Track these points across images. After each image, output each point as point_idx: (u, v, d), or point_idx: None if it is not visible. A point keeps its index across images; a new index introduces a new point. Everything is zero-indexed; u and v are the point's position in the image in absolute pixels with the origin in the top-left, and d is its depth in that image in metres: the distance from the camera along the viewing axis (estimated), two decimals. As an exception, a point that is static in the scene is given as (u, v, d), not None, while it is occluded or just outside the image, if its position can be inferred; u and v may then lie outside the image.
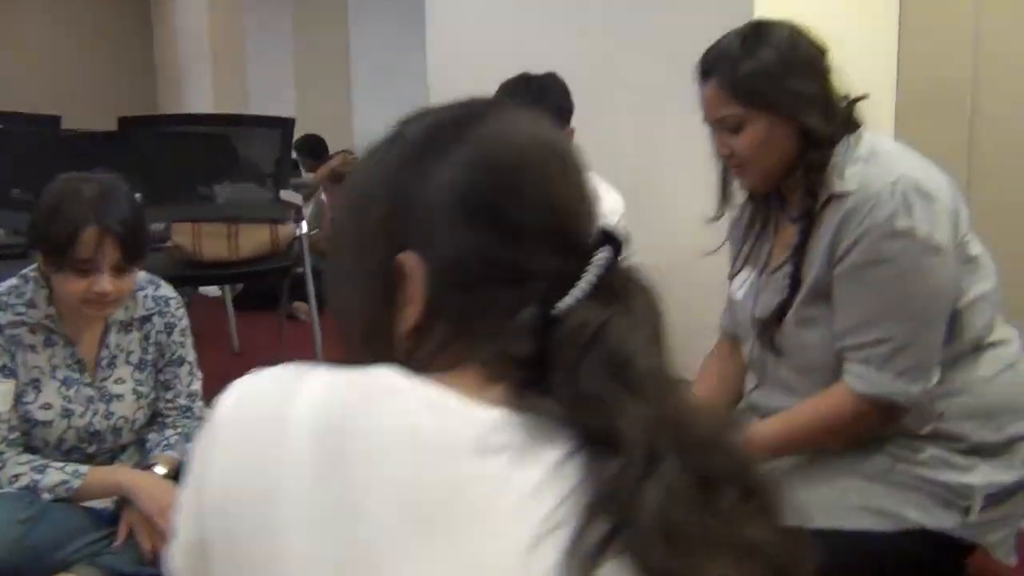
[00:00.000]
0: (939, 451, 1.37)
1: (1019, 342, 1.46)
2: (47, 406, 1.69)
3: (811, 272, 1.36)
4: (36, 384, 1.68)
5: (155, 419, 1.86)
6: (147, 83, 10.01)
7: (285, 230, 2.84)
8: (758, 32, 1.37)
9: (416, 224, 0.62)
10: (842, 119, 1.36)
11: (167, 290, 1.87)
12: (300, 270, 2.86)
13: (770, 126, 1.34)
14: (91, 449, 1.76)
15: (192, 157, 2.48)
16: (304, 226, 2.76)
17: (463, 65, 3.62)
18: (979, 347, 1.38)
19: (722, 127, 1.38)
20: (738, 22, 2.57)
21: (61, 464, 1.66)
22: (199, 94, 8.31)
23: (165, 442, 1.81)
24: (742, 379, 1.59)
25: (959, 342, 1.36)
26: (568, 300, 0.59)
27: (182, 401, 1.87)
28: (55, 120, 2.31)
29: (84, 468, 1.67)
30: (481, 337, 0.60)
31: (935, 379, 1.32)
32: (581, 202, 0.64)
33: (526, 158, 0.63)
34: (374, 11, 6.27)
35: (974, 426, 1.37)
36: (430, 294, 0.61)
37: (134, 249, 1.62)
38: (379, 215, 0.63)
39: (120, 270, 1.61)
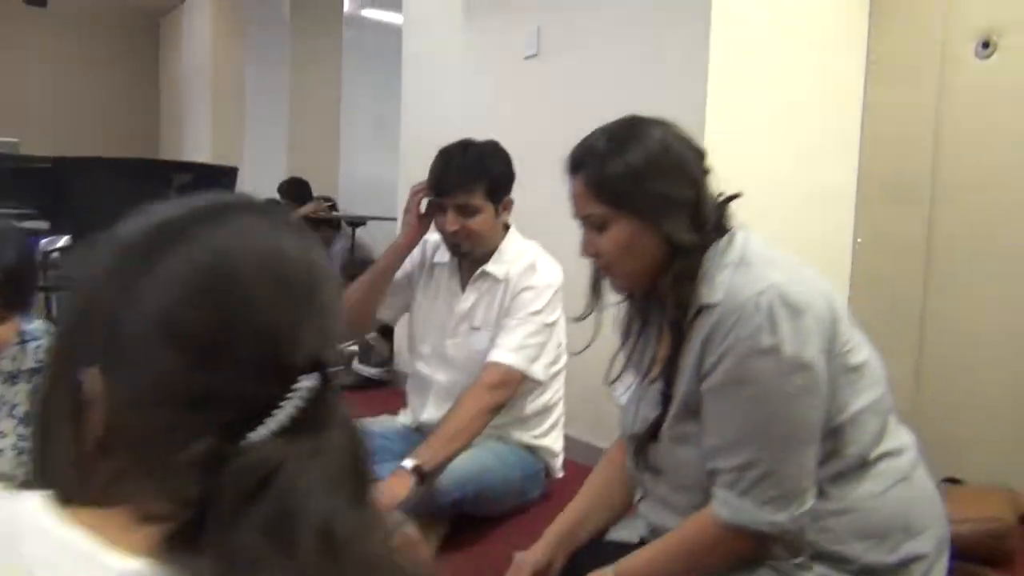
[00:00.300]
0: (827, 570, 1.27)
1: (914, 450, 1.37)
2: (-86, 458, 1.61)
3: (681, 387, 1.29)
4: (-96, 434, 1.60)
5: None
6: (151, 122, 10.27)
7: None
8: (630, 130, 1.30)
9: (106, 339, 0.56)
10: (713, 224, 1.28)
11: (63, 341, 1.80)
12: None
13: (634, 229, 1.27)
14: (-37, 505, 1.67)
15: (130, 201, 2.43)
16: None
17: (432, 124, 3.61)
18: (867, 462, 1.29)
19: (588, 225, 1.32)
20: (693, 102, 2.55)
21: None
22: (199, 135, 8.48)
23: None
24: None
25: (843, 458, 1.27)
26: (260, 432, 0.52)
27: (70, 458, 1.79)
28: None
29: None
30: (154, 469, 0.53)
31: (807, 505, 1.22)
32: (299, 324, 0.57)
33: (237, 274, 0.56)
34: (365, 64, 6.33)
35: (865, 547, 1.27)
36: (111, 416, 0.54)
37: (12, 296, 1.56)
38: (73, 324, 0.58)
39: None
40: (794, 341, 1.18)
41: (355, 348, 4.08)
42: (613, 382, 1.46)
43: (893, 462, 1.31)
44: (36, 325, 1.78)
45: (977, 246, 2.62)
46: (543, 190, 2.71)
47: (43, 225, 2.60)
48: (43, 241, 2.40)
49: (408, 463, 2.00)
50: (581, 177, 1.30)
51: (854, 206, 2.88)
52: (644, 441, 1.35)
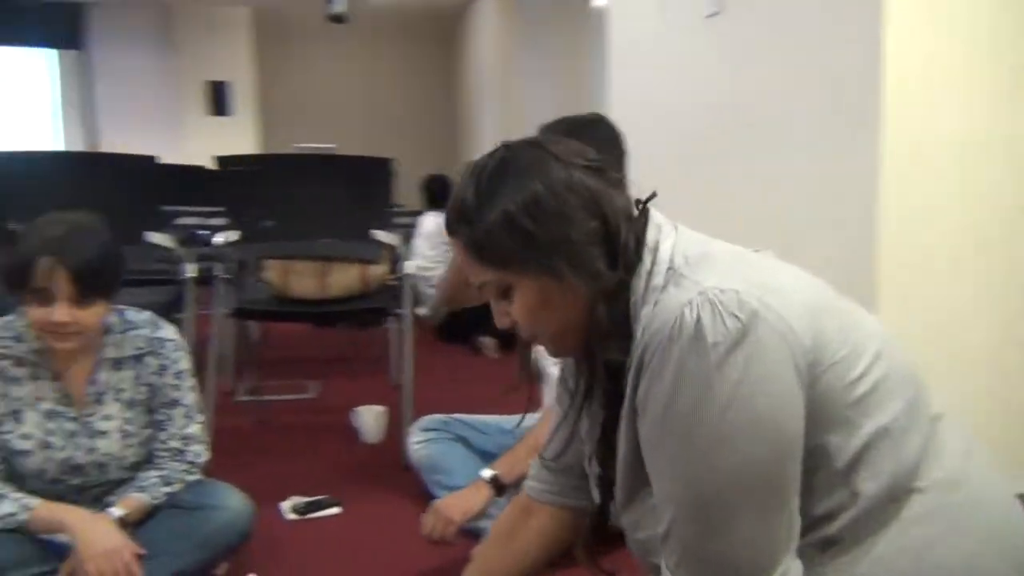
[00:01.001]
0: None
1: (976, 477, 0.94)
2: (26, 436, 1.76)
3: (622, 446, 1.00)
4: (17, 415, 1.76)
5: (151, 458, 1.88)
6: (448, 121, 11.10)
7: (376, 271, 2.79)
8: (499, 168, 0.98)
9: None
10: (635, 244, 0.97)
11: (167, 332, 1.88)
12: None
13: (541, 288, 0.98)
14: (75, 481, 1.81)
15: (287, 195, 2.52)
16: (408, 266, 2.67)
17: (630, 88, 3.41)
18: (895, 503, 0.91)
19: (491, 293, 1.03)
20: (869, 56, 2.09)
21: (19, 495, 1.71)
22: (488, 132, 9.05)
23: (141, 483, 1.82)
24: (544, 547, 1.27)
25: (857, 505, 0.90)
26: None
27: (174, 444, 1.87)
28: (149, 159, 2.47)
29: (35, 501, 1.71)
30: None
31: None
32: None
33: None
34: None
35: None
36: None
37: (91, 284, 1.65)
38: None
39: (80, 302, 1.64)
40: (733, 361, 0.85)
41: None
42: (554, 459, 1.22)
43: (942, 498, 0.92)
44: (141, 315, 1.89)
45: None
46: (722, 152, 2.54)
47: (221, 222, 2.81)
48: (217, 237, 2.57)
49: (487, 473, 1.84)
50: (459, 241, 1.01)
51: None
52: (593, 530, 1.11)
